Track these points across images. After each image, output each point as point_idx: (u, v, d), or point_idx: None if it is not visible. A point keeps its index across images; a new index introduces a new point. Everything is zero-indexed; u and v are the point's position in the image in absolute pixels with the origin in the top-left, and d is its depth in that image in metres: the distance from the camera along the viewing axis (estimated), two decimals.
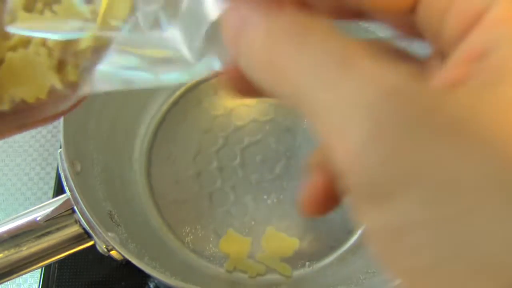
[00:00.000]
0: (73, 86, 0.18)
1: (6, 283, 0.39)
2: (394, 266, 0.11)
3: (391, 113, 0.10)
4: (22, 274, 0.34)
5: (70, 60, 0.17)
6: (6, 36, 0.16)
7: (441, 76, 0.12)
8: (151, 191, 0.44)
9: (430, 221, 0.10)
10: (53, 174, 0.48)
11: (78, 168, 0.36)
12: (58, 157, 0.34)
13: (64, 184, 0.33)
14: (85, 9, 0.16)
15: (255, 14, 0.12)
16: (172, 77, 0.16)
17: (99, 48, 0.16)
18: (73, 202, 0.33)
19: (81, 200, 0.32)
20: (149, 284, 0.42)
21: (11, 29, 0.16)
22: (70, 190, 0.33)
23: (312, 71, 0.11)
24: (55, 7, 0.16)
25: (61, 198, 0.33)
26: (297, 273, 0.41)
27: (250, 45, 0.12)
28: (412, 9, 0.13)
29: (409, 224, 0.10)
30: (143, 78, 0.17)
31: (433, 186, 0.10)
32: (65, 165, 0.33)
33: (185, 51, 0.15)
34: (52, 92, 0.17)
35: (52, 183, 0.48)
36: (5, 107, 0.17)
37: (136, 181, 0.44)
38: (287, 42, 0.12)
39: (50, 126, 0.51)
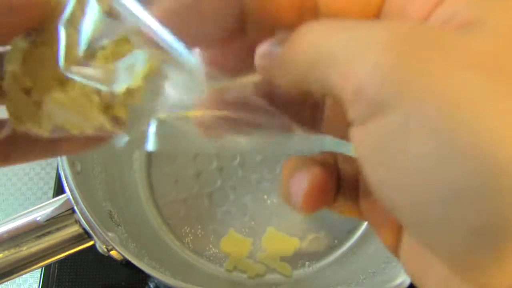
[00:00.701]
0: (120, 124, 0.18)
1: (6, 283, 0.39)
2: (376, 170, 0.12)
3: (395, 43, 0.11)
4: (22, 274, 0.34)
5: (118, 100, 0.17)
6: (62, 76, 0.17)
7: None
8: (151, 191, 0.44)
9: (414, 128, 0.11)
10: (53, 174, 0.48)
11: (78, 168, 0.36)
12: (58, 157, 0.34)
13: (64, 184, 0.33)
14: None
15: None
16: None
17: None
18: (73, 202, 0.33)
19: (81, 200, 0.32)
20: (149, 284, 0.42)
21: (69, 73, 0.16)
22: (70, 190, 0.33)
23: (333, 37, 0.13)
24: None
25: (61, 198, 0.33)
26: (297, 273, 0.41)
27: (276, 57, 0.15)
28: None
29: (393, 131, 0.11)
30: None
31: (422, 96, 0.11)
32: (65, 165, 0.33)
33: None
34: (98, 129, 0.17)
35: (52, 183, 0.48)
36: (45, 134, 0.17)
37: (136, 181, 0.44)
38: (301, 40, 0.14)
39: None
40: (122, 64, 0.17)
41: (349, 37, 0.12)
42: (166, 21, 0.15)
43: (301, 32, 0.14)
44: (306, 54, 0.13)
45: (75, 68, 0.16)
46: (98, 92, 0.17)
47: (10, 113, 0.17)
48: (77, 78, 0.16)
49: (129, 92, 0.17)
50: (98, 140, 0.18)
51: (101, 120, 0.17)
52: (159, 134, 0.17)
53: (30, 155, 0.19)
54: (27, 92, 0.17)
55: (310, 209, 0.16)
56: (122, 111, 0.17)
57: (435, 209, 0.11)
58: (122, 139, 0.18)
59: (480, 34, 0.11)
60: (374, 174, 0.12)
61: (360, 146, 0.12)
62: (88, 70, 0.16)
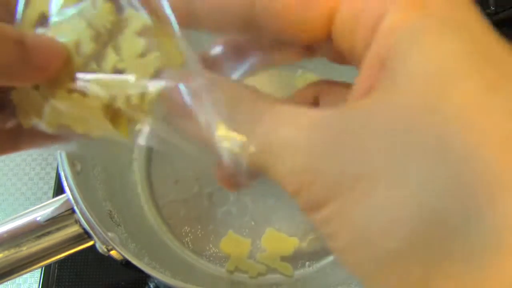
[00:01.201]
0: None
1: (6, 283, 0.39)
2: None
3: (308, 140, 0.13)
4: (22, 274, 0.34)
5: (124, 113, 0.17)
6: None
7: (356, 87, 0.14)
8: (151, 191, 0.44)
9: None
10: (53, 174, 0.48)
11: (78, 168, 0.36)
12: (58, 157, 0.34)
13: (64, 184, 0.33)
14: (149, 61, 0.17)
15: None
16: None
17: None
18: (73, 202, 0.33)
19: (81, 200, 0.32)
20: (149, 284, 0.42)
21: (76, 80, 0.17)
22: (70, 190, 0.33)
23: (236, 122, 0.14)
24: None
25: (61, 198, 0.33)
26: (297, 273, 0.41)
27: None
28: (329, 36, 0.15)
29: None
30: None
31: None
32: (65, 165, 0.33)
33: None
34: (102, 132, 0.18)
35: (52, 183, 0.48)
36: (50, 130, 0.17)
37: (136, 181, 0.44)
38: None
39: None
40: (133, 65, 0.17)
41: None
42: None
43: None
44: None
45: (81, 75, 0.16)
46: (103, 97, 0.17)
47: (17, 105, 0.17)
48: (82, 82, 0.16)
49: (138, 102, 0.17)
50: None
51: (105, 125, 0.17)
52: (154, 132, 0.17)
53: (37, 141, 0.19)
54: (36, 86, 0.17)
55: None
56: (124, 123, 0.17)
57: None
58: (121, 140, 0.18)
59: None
60: (336, 243, 0.14)
61: (322, 226, 0.14)
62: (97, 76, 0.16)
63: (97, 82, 0.16)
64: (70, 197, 0.33)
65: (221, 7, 0.16)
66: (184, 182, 0.44)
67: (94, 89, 0.16)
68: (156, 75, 0.16)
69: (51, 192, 0.47)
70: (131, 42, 0.17)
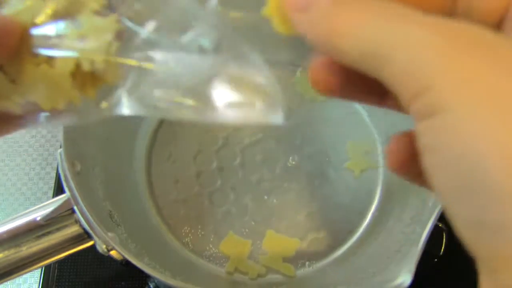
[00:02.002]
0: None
1: (6, 283, 0.39)
2: None
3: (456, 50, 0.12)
4: (22, 274, 0.34)
5: (89, 80, 0.18)
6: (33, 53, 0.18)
7: None
8: (151, 191, 0.44)
9: None
10: (53, 174, 0.48)
11: (78, 168, 0.36)
12: (58, 157, 0.34)
13: (64, 184, 0.33)
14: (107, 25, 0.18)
15: None
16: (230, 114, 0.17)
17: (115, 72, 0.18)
18: (73, 202, 0.33)
19: (81, 200, 0.32)
20: (149, 284, 0.42)
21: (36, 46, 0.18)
22: (70, 190, 0.33)
23: (375, 23, 0.13)
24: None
25: (61, 198, 0.33)
26: (297, 273, 0.41)
27: (314, 16, 0.14)
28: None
29: (446, 130, 0.12)
30: (180, 110, 0.18)
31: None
32: (65, 165, 0.33)
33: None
34: (68, 104, 0.19)
35: (52, 183, 0.48)
36: (18, 110, 0.18)
37: (136, 181, 0.44)
38: (342, 7, 0.13)
39: (50, 126, 0.51)
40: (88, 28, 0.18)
41: (409, 31, 0.12)
42: None
43: (348, 9, 0.13)
44: (358, 42, 0.13)
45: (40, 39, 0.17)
46: (69, 66, 0.18)
47: None
48: (44, 49, 0.17)
49: (103, 67, 0.18)
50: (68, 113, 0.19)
51: (71, 94, 0.18)
52: (132, 100, 0.18)
53: (10, 128, 0.20)
54: (0, 68, 0.18)
55: None
56: (91, 90, 0.19)
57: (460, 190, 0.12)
58: (93, 111, 0.19)
59: None
60: (429, 159, 0.13)
61: (421, 136, 0.13)
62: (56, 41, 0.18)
63: (61, 52, 0.18)
64: (70, 197, 0.33)
65: None
66: (184, 182, 0.44)
67: (60, 58, 0.18)
68: (116, 36, 0.18)
69: (51, 192, 0.47)
70: (89, 17, 0.18)
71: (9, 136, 0.50)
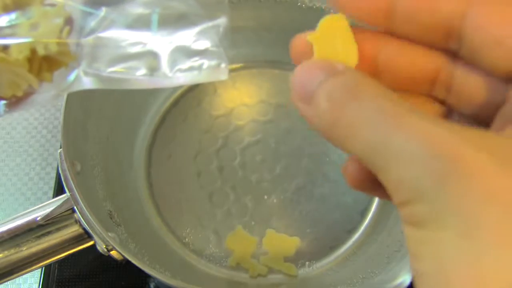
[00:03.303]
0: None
1: (6, 283, 0.39)
2: None
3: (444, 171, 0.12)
4: (22, 274, 0.34)
5: (45, 64, 0.20)
6: None
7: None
8: (151, 191, 0.44)
9: None
10: (53, 174, 0.48)
11: (78, 168, 0.36)
12: (58, 157, 0.34)
13: (64, 184, 0.33)
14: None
15: (322, 75, 0.15)
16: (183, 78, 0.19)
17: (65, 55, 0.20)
18: (73, 202, 0.33)
19: (81, 200, 0.32)
20: (149, 284, 0.42)
21: None
22: (70, 190, 0.33)
23: (370, 127, 0.13)
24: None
25: (61, 198, 0.33)
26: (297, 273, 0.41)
27: (317, 108, 0.15)
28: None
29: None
30: (135, 78, 0.19)
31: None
32: (65, 165, 0.33)
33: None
34: (27, 89, 0.20)
35: (52, 183, 0.48)
36: None
37: (136, 181, 0.44)
38: (346, 105, 0.14)
39: (50, 126, 0.51)
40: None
41: (402, 143, 0.12)
42: None
43: (346, 112, 0.14)
44: (355, 144, 0.14)
45: None
46: (25, 52, 0.19)
47: None
48: None
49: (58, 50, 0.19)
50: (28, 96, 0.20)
51: (29, 80, 0.19)
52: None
53: None
54: None
55: None
56: (49, 71, 0.20)
57: None
58: (50, 94, 0.20)
59: None
60: (413, 263, 0.13)
61: (407, 239, 0.13)
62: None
63: (16, 39, 0.19)
64: (70, 197, 0.33)
65: (427, 11, 0.15)
66: (184, 182, 0.44)
67: (15, 45, 0.19)
68: (66, 22, 0.19)
69: (51, 192, 0.47)
70: (39, 7, 0.19)
71: (9, 136, 0.50)
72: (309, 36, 0.16)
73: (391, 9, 0.15)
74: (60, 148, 0.34)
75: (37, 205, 0.34)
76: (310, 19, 0.46)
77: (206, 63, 0.20)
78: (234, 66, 0.49)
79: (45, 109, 0.52)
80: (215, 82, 0.49)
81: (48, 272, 0.42)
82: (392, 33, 0.16)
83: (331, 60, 0.15)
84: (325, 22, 0.17)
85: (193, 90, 0.49)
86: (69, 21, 0.19)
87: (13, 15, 0.19)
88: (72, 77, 0.20)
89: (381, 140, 0.13)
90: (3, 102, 0.20)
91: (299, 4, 0.45)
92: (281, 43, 0.48)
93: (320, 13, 0.45)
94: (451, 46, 0.15)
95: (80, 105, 0.38)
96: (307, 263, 0.41)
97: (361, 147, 0.13)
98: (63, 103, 0.35)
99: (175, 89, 0.48)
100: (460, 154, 0.12)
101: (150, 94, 0.47)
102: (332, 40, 0.16)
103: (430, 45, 0.16)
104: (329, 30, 0.17)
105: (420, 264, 0.12)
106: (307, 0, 0.45)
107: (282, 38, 0.49)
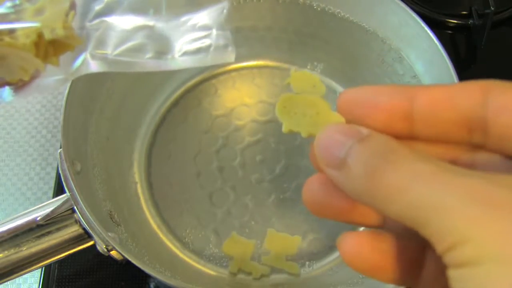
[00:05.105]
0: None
1: (6, 283, 0.39)
2: None
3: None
4: (22, 274, 0.34)
5: (51, 48, 0.20)
6: None
7: None
8: (151, 191, 0.44)
9: None
10: (53, 174, 0.48)
11: (78, 168, 0.36)
12: (58, 157, 0.34)
13: (64, 184, 0.33)
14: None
15: (349, 141, 0.15)
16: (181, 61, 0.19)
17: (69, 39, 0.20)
18: (73, 202, 0.33)
19: (81, 200, 0.32)
20: (149, 284, 0.42)
21: None
22: (70, 190, 0.33)
23: (409, 190, 0.14)
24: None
25: (61, 198, 0.34)
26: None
27: (349, 174, 0.15)
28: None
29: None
30: (142, 61, 0.19)
31: None
32: (65, 165, 0.33)
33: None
34: (33, 74, 0.20)
35: (52, 183, 0.48)
36: None
37: (136, 181, 0.44)
38: (383, 171, 0.14)
39: (50, 126, 0.51)
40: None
41: (443, 198, 0.13)
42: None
43: (383, 174, 0.14)
44: (395, 207, 0.14)
45: None
46: (32, 36, 0.19)
47: None
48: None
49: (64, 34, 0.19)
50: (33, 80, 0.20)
51: (36, 64, 0.19)
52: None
53: None
54: None
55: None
56: (55, 55, 0.20)
57: None
58: (57, 78, 0.21)
59: None
60: None
61: (453, 281, 0.13)
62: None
63: (23, 24, 0.19)
64: (70, 197, 0.33)
65: (446, 109, 0.15)
66: (184, 182, 0.44)
67: (22, 30, 0.19)
68: (71, 6, 0.19)
69: (51, 192, 0.47)
70: None
71: (9, 136, 0.50)
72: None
73: (408, 114, 0.15)
74: (60, 148, 0.34)
75: (37, 205, 0.34)
76: (310, 19, 0.46)
77: (213, 45, 0.20)
78: (234, 66, 0.49)
79: (45, 109, 0.52)
80: (215, 82, 0.49)
81: (48, 272, 0.42)
82: (414, 138, 0.16)
83: (353, 125, 0.15)
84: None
85: (193, 90, 0.49)
86: (73, 5, 0.20)
87: (17, 0, 0.19)
88: (79, 61, 0.20)
89: (421, 199, 0.13)
90: (10, 87, 0.20)
91: (299, 4, 0.45)
92: (281, 43, 0.49)
93: (320, 13, 0.45)
94: (475, 140, 0.15)
95: (80, 105, 0.38)
96: (307, 263, 0.41)
97: (401, 208, 0.14)
98: (63, 102, 0.35)
99: (175, 88, 0.48)
100: (494, 197, 0.13)
101: (150, 94, 0.47)
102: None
103: (454, 143, 0.16)
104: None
105: None
106: (307, 0, 0.45)
107: (282, 38, 0.49)
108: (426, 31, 0.38)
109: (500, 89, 0.14)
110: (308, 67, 0.48)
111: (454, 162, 0.16)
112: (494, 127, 0.15)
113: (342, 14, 0.44)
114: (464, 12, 0.53)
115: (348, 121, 0.16)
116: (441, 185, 0.13)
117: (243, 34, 0.48)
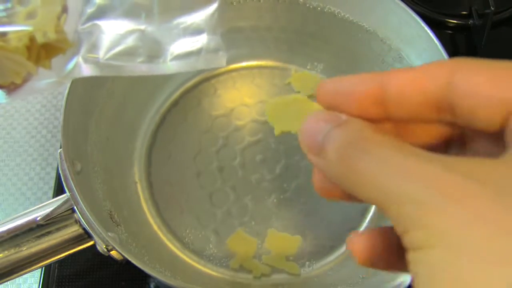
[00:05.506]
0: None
1: (6, 283, 0.39)
2: None
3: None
4: (22, 274, 0.34)
5: (43, 51, 0.20)
6: None
7: None
8: (151, 191, 0.44)
9: None
10: (53, 174, 0.48)
11: (78, 168, 0.36)
12: (58, 157, 0.34)
13: (64, 184, 0.33)
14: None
15: (327, 126, 0.16)
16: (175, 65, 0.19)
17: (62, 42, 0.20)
18: (73, 202, 0.33)
19: (81, 200, 0.32)
20: (149, 284, 0.42)
21: None
22: (70, 190, 0.33)
23: (376, 176, 0.14)
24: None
25: (61, 198, 0.33)
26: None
27: (326, 159, 0.16)
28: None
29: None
30: (134, 65, 0.19)
31: None
32: (65, 165, 0.33)
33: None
34: (25, 77, 0.20)
35: (52, 183, 0.48)
36: None
37: (136, 181, 0.44)
38: (354, 157, 0.15)
39: (50, 126, 0.51)
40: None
41: (408, 183, 0.14)
42: None
43: (354, 161, 0.15)
44: (364, 190, 0.15)
45: None
46: (24, 40, 0.19)
47: None
48: None
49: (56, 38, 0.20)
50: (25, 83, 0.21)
51: (28, 67, 0.20)
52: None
53: None
54: None
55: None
56: (47, 58, 0.20)
57: None
58: (49, 80, 0.21)
59: None
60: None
61: (411, 264, 0.14)
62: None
63: (14, 27, 0.19)
64: (70, 197, 0.33)
65: (414, 90, 0.16)
66: (184, 182, 0.44)
67: (13, 34, 0.19)
68: (63, 10, 0.19)
69: (51, 192, 0.47)
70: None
71: (9, 136, 0.50)
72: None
73: (381, 99, 0.16)
74: (60, 148, 0.34)
75: (37, 205, 0.34)
76: (310, 19, 0.46)
77: (204, 49, 0.20)
78: (234, 66, 0.49)
79: (45, 109, 0.52)
80: (215, 82, 0.49)
81: (48, 272, 0.42)
82: (388, 119, 0.17)
83: (334, 112, 0.16)
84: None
85: (193, 90, 0.49)
86: (64, 8, 0.20)
87: (8, 4, 0.19)
88: (71, 64, 0.20)
89: (384, 186, 0.14)
90: (2, 89, 0.20)
91: (299, 4, 0.45)
92: (281, 43, 0.49)
93: (320, 13, 0.45)
94: (446, 119, 0.16)
95: (80, 105, 0.38)
96: (307, 263, 0.41)
97: (369, 193, 0.15)
98: (63, 102, 0.35)
99: (175, 89, 0.48)
100: (446, 184, 0.13)
101: (150, 94, 0.47)
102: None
103: (426, 122, 0.17)
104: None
105: (418, 280, 0.14)
106: (308, 0, 0.45)
107: (282, 38, 0.49)
108: (426, 31, 0.38)
109: (465, 69, 0.15)
110: (308, 67, 0.48)
111: (430, 141, 0.17)
112: (459, 107, 0.15)
113: (342, 14, 0.44)
114: (464, 12, 0.53)
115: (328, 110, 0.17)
116: (402, 173, 0.14)
117: (244, 34, 0.48)
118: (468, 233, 0.13)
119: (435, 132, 0.17)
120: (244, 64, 0.49)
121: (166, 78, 0.48)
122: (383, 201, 0.14)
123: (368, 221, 0.43)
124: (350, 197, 0.17)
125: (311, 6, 0.45)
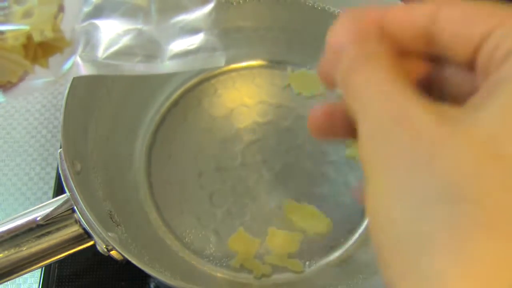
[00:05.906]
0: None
1: (6, 283, 0.39)
2: None
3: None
4: (22, 274, 0.34)
5: (40, 50, 0.20)
6: None
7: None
8: (151, 191, 0.44)
9: None
10: (53, 174, 0.48)
11: (78, 168, 0.36)
12: (58, 157, 0.34)
13: (64, 184, 0.33)
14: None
15: (346, 45, 0.17)
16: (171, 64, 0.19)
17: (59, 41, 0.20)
18: (73, 202, 0.33)
19: (81, 200, 0.32)
20: (149, 284, 0.42)
21: None
22: (70, 190, 0.33)
23: (369, 104, 0.16)
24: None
25: (61, 198, 0.33)
26: None
27: (339, 64, 0.17)
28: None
29: None
30: (132, 65, 0.19)
31: None
32: (65, 165, 0.33)
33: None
34: (22, 76, 0.20)
35: (52, 183, 0.48)
36: None
37: (136, 181, 0.44)
38: (355, 71, 0.17)
39: (50, 126, 0.51)
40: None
41: (371, 101, 0.16)
42: None
43: (358, 71, 0.17)
44: (355, 98, 0.17)
45: None
46: (21, 39, 0.19)
47: None
48: None
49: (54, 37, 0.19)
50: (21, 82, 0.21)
51: (25, 66, 0.20)
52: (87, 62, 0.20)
53: None
54: None
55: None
56: (44, 57, 0.20)
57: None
58: (46, 79, 0.21)
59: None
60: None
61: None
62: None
63: (11, 26, 0.19)
64: (70, 197, 0.33)
65: (405, 24, 0.17)
66: (184, 182, 0.44)
67: (10, 33, 0.19)
68: (60, 9, 0.19)
69: (51, 192, 0.47)
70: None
71: (9, 136, 0.50)
72: None
73: (381, 31, 0.18)
74: (60, 148, 0.34)
75: (37, 205, 0.34)
76: (310, 19, 0.46)
77: (201, 49, 0.20)
78: (234, 66, 0.49)
79: (45, 109, 0.52)
80: (215, 82, 0.49)
81: (48, 272, 0.42)
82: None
83: (362, 25, 0.18)
84: None
85: (193, 90, 0.49)
86: (61, 7, 0.20)
87: (5, 2, 0.19)
88: (69, 63, 0.20)
89: (364, 102, 0.16)
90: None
91: (299, 4, 0.45)
92: (281, 43, 0.49)
93: (320, 13, 0.45)
94: (434, 52, 0.17)
95: (80, 105, 0.38)
96: (307, 263, 0.41)
97: (353, 103, 0.16)
98: (63, 102, 0.35)
99: (175, 89, 0.48)
100: (407, 114, 0.15)
101: (150, 94, 0.47)
102: None
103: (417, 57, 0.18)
104: None
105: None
106: (308, 0, 0.45)
107: (282, 38, 0.49)
108: None
109: (449, 3, 0.16)
110: (308, 66, 0.48)
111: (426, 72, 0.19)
112: (440, 40, 0.16)
113: None
114: None
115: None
116: (377, 95, 0.16)
117: (244, 34, 0.48)
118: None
119: (423, 70, 0.19)
120: (244, 64, 0.49)
121: (166, 78, 0.48)
122: (356, 112, 0.16)
123: (368, 222, 0.42)
124: (341, 132, 0.19)
125: (311, 6, 0.45)
